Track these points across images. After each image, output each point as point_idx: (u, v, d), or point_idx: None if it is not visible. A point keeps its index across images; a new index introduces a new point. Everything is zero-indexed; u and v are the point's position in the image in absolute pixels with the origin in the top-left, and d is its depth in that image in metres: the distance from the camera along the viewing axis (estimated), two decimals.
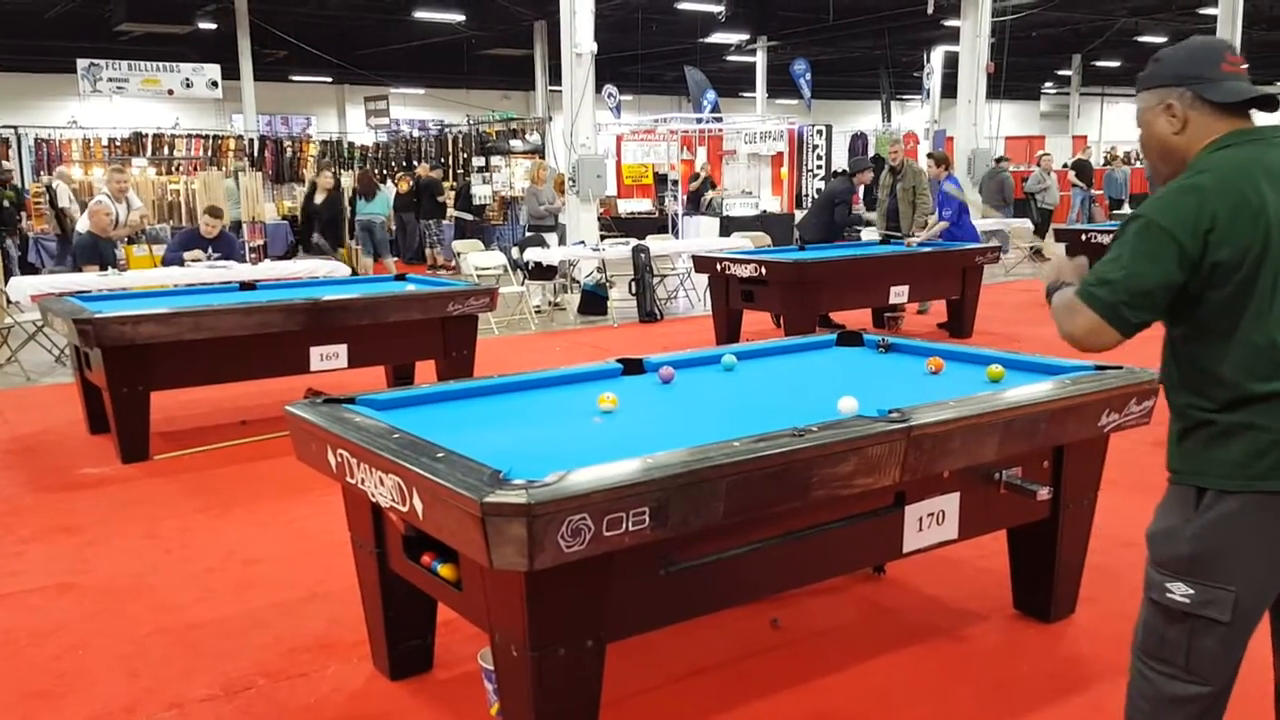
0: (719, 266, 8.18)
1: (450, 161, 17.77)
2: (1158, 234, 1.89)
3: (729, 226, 14.17)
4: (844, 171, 10.36)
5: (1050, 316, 2.14)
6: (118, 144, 17.25)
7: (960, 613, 3.47)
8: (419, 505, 2.33)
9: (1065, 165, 19.23)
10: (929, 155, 9.81)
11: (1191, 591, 1.93)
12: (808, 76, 20.88)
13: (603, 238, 12.09)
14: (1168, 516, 2.00)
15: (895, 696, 2.95)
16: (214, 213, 8.64)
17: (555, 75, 14.51)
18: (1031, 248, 14.78)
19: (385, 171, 18.41)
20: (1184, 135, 1.99)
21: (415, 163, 17.03)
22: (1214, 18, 15.27)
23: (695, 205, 16.05)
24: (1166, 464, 2.07)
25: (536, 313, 10.64)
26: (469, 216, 15.36)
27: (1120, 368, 3.22)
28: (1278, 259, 1.86)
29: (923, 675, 3.07)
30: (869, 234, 10.08)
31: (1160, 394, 3.19)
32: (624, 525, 2.21)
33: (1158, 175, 2.07)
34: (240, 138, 18.53)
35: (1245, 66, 2.02)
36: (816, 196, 10.69)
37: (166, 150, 17.72)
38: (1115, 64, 28.37)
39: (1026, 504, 3.07)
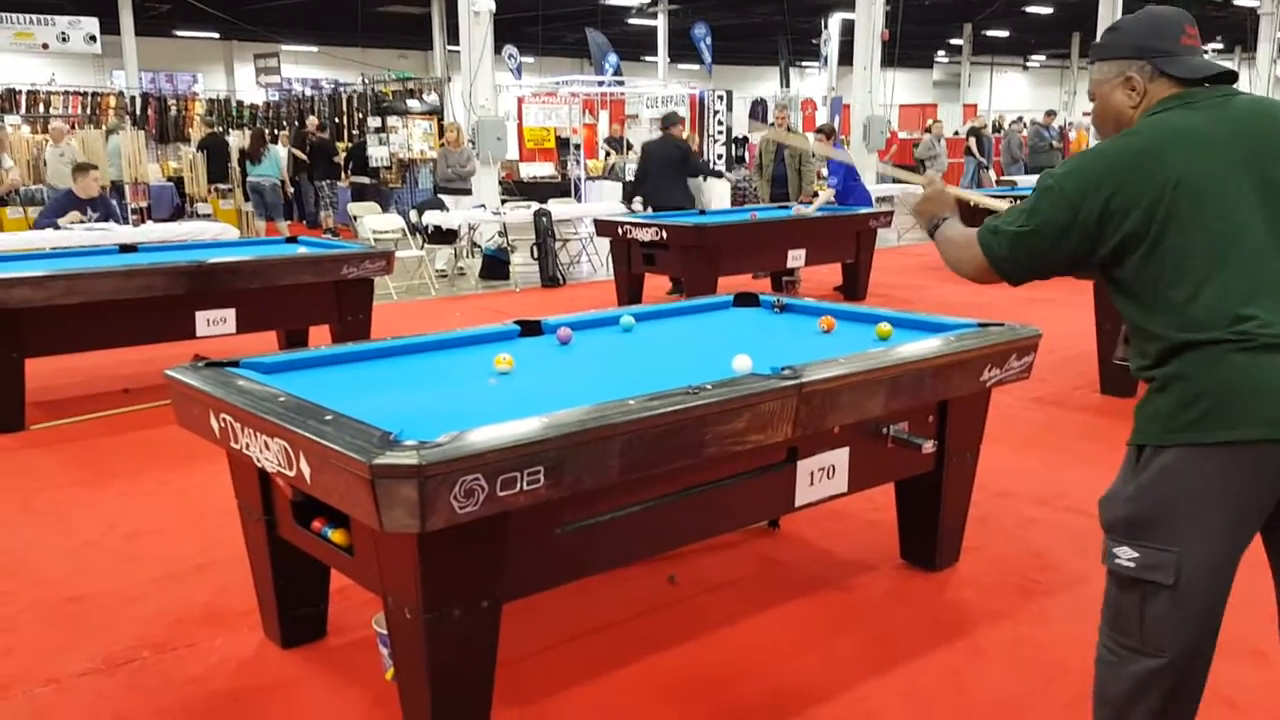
0: (621, 230, 8.17)
1: (345, 122, 17.26)
2: (1058, 199, 1.91)
3: (632, 190, 14.14)
4: (665, 133, 9.64)
5: (939, 253, 2.21)
6: None
7: (850, 564, 3.57)
8: (306, 470, 2.28)
9: (958, 133, 19.75)
10: (817, 129, 9.91)
11: (1136, 555, 1.88)
12: (708, 41, 20.88)
13: (504, 201, 11.94)
14: (1116, 480, 1.96)
15: (787, 646, 3.02)
16: (84, 169, 8.20)
17: (454, 35, 14.19)
18: None
19: (276, 132, 17.81)
20: (1141, 110, 1.97)
21: (302, 124, 16.45)
22: None
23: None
24: None
25: (440, 277, 10.48)
26: (366, 180, 14.96)
27: (1002, 324, 3.34)
28: (1184, 219, 1.82)
29: (813, 625, 3.15)
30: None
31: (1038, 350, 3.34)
32: (518, 485, 2.20)
33: None
34: (121, 95, 17.68)
35: (1200, 40, 2.00)
36: (645, 169, 9.56)
37: (42, 108, 16.80)
38: (1004, 34, 29.15)
39: (913, 457, 3.16)
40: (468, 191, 11.34)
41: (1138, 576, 1.89)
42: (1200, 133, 1.87)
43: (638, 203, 10.87)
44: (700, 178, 9.95)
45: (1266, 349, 1.78)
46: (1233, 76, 1.97)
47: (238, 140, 15.60)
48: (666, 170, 9.34)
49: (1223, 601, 1.92)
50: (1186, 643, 1.90)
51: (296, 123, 17.12)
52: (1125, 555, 1.90)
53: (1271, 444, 1.79)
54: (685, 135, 9.67)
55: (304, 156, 14.73)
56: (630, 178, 15.42)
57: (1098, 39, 2.09)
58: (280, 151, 14.25)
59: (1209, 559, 1.86)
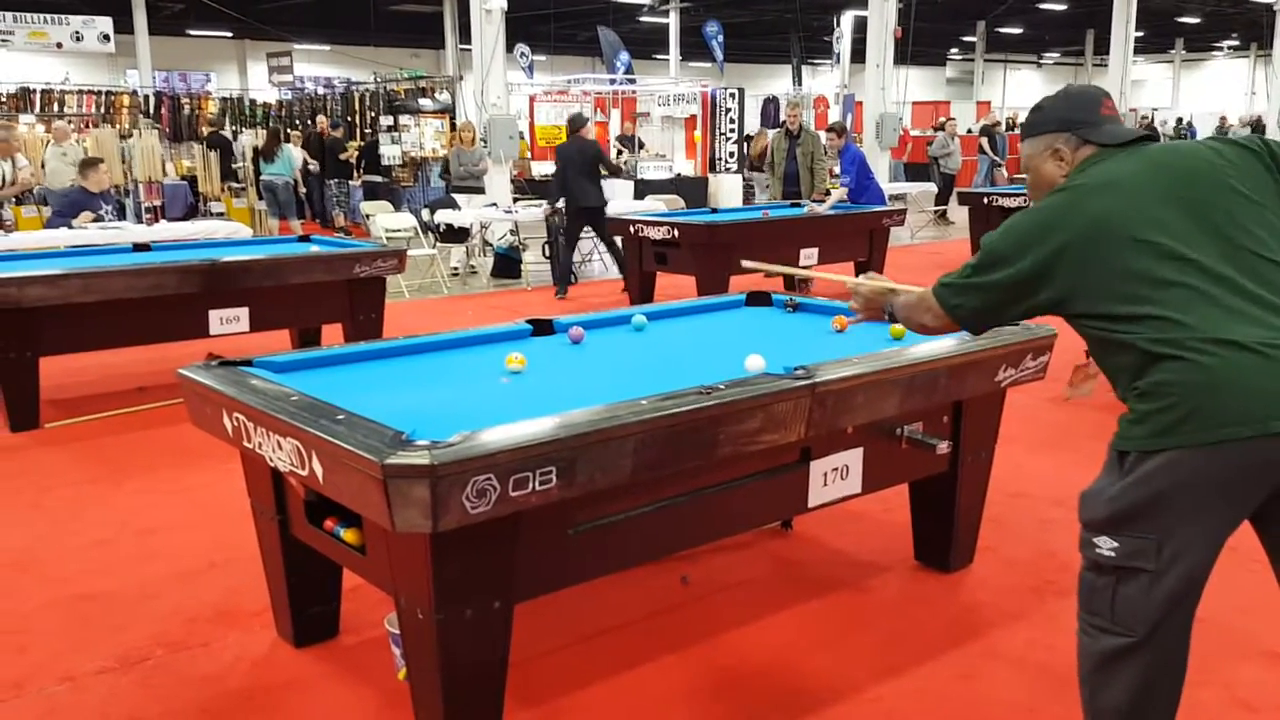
0: (632, 229, 8.15)
1: (357, 120, 17.29)
2: (997, 258, 2.05)
3: (643, 189, 14.14)
4: (573, 135, 9.51)
5: (904, 326, 2.37)
6: (3, 100, 16.37)
7: (864, 565, 3.55)
8: (319, 469, 2.27)
9: (971, 131, 19.66)
10: (829, 127, 9.88)
11: (1116, 544, 1.96)
12: (720, 39, 20.83)
13: (516, 200, 11.93)
14: (1097, 481, 2.03)
15: (800, 647, 3.01)
16: (92, 163, 8.23)
17: (466, 33, 14.20)
18: (935, 211, 15.11)
19: (290, 131, 17.85)
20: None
21: (312, 121, 16.46)
22: None
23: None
24: None
25: (453, 275, 10.48)
26: (378, 179, 14.98)
27: (1017, 324, 3.31)
28: (1117, 250, 1.92)
29: (827, 626, 3.14)
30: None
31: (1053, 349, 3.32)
32: (530, 485, 2.19)
33: None
34: (135, 94, 17.73)
35: (1117, 111, 2.15)
36: (564, 170, 9.25)
37: (56, 107, 16.86)
38: (1018, 31, 29.00)
39: (927, 458, 3.14)
40: (480, 190, 11.33)
41: (1119, 564, 1.97)
42: (1115, 178, 2.00)
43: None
44: (619, 175, 9.96)
45: (1237, 351, 1.84)
46: (1152, 139, 2.11)
47: (250, 139, 15.63)
48: (583, 171, 9.30)
49: (1198, 588, 1.98)
50: (1157, 625, 1.96)
51: (309, 121, 17.16)
52: (1106, 545, 1.98)
53: (1253, 441, 1.84)
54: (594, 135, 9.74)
55: (310, 160, 14.64)
56: (642, 176, 15.45)
57: (1025, 119, 2.26)
58: (293, 150, 14.27)
59: (1188, 549, 1.93)
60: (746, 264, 3.24)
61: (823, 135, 10.08)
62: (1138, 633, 1.97)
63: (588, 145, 9.56)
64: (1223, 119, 26.08)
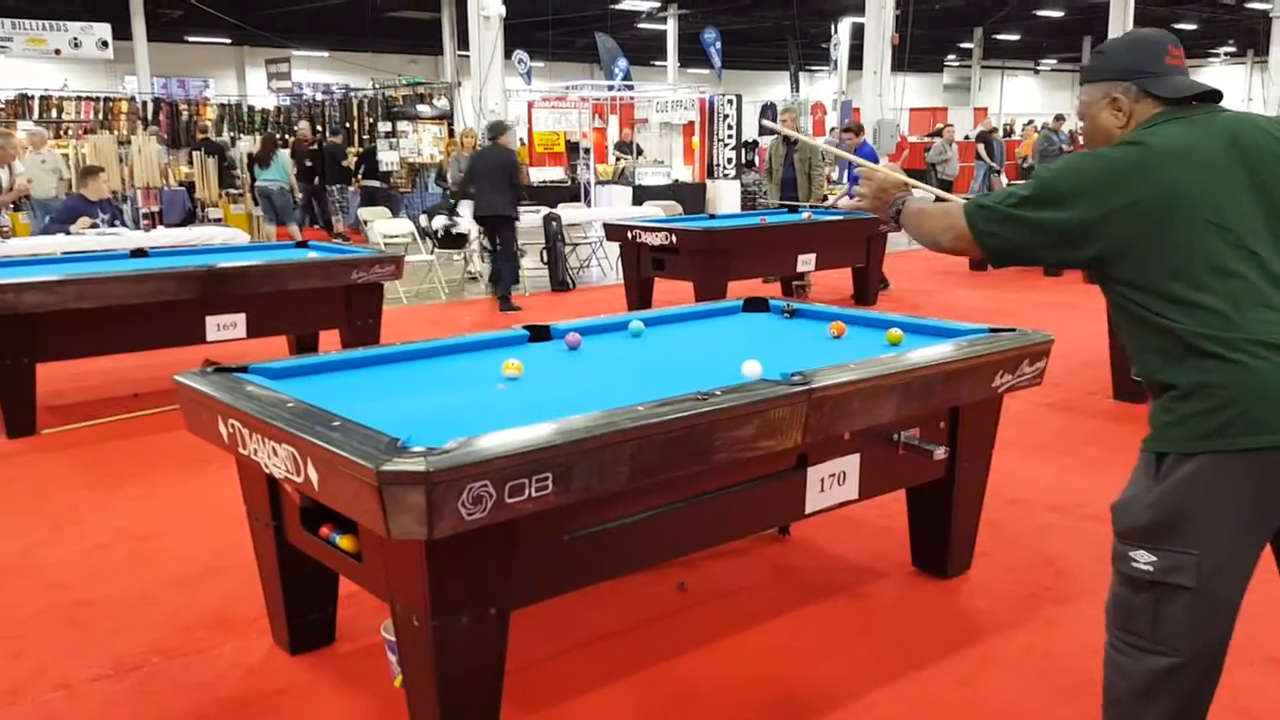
0: (630, 235, 8.16)
1: (355, 126, 17.31)
2: (1052, 194, 1.93)
3: (641, 195, 14.15)
4: (492, 142, 9.34)
5: (906, 229, 2.27)
6: (1, 106, 16.39)
7: (861, 571, 3.55)
8: (314, 476, 2.27)
9: (968, 137, 19.69)
10: (845, 128, 9.90)
11: (1154, 559, 1.87)
12: (718, 45, 20.88)
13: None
14: (1131, 486, 1.95)
15: (797, 653, 3.00)
16: (93, 171, 8.23)
17: (464, 40, 14.23)
18: None
19: (288, 137, 17.87)
20: (1129, 129, 2.00)
21: (318, 128, 16.49)
22: None
23: None
24: None
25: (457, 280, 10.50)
26: (376, 184, 15.00)
27: (1013, 330, 3.31)
28: (1182, 225, 1.84)
29: (825, 632, 3.13)
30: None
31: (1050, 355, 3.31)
32: (526, 491, 2.19)
33: None
34: (133, 100, 17.76)
35: (1184, 59, 2.03)
36: (473, 178, 9.11)
37: (54, 113, 16.89)
38: (1015, 37, 29.08)
39: (924, 464, 3.14)
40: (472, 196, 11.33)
41: (1156, 579, 1.88)
42: (1194, 146, 1.90)
43: (465, 207, 10.75)
44: (521, 196, 9.68)
45: None
46: (1217, 95, 2.01)
47: (248, 145, 15.64)
48: (493, 178, 9.08)
49: (1239, 601, 1.92)
50: (1203, 642, 1.89)
51: (295, 130, 17.17)
52: (1143, 559, 1.89)
53: None
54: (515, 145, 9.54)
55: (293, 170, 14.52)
56: (640, 182, 15.45)
57: (1087, 63, 2.15)
58: (288, 156, 14.26)
59: (1229, 560, 1.86)
60: (765, 123, 3.16)
61: (822, 140, 10.10)
62: (1182, 653, 1.89)
63: (504, 154, 9.35)
64: None
